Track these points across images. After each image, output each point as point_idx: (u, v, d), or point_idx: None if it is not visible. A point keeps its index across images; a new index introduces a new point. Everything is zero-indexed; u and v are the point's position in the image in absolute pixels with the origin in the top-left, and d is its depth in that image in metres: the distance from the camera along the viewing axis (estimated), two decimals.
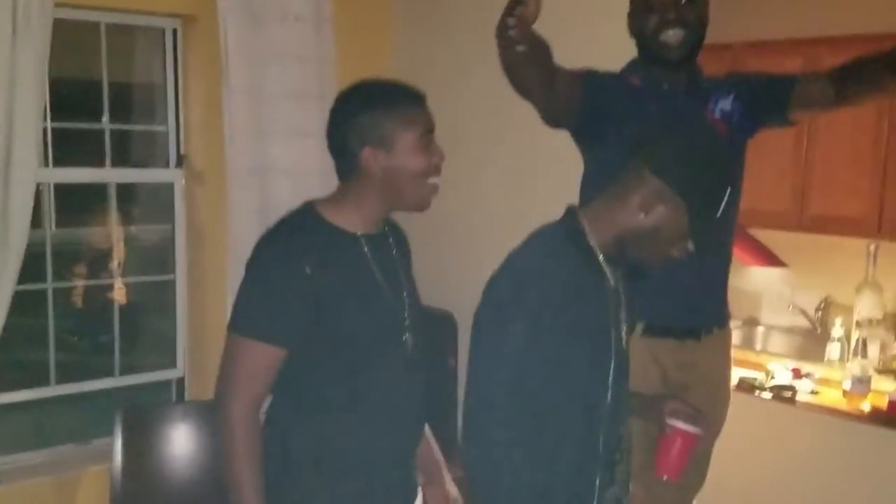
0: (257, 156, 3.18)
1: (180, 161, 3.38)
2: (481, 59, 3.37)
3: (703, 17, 2.19)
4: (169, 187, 3.39)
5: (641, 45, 2.24)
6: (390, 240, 1.91)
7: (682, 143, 1.64)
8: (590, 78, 2.22)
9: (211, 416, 1.82)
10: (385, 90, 1.83)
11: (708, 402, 2.27)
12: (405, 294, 1.89)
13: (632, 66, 2.30)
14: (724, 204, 1.59)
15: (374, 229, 1.86)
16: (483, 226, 3.42)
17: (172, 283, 3.42)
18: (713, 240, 2.26)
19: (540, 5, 1.82)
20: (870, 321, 3.58)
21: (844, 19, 3.85)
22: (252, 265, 1.79)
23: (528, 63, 1.97)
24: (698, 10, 2.18)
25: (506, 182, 3.36)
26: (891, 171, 3.62)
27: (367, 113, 1.77)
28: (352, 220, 1.81)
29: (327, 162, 1.87)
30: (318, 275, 1.73)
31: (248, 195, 3.17)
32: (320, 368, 1.79)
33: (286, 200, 3.11)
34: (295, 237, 1.78)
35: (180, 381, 3.44)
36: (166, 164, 3.41)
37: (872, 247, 3.66)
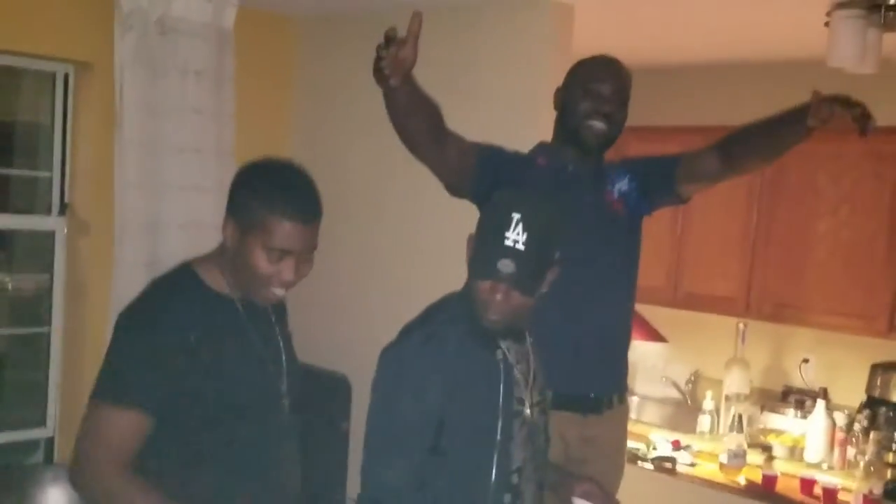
0: (149, 209, 3.10)
1: (63, 209, 3.26)
2: (380, 123, 3.45)
3: (623, 123, 2.33)
4: (49, 235, 3.25)
5: (564, 123, 2.33)
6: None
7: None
8: (487, 151, 2.29)
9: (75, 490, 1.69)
10: (286, 185, 1.72)
11: (605, 475, 2.32)
12: (283, 358, 1.86)
13: (540, 147, 2.39)
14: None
15: None
16: (379, 289, 3.43)
17: (46, 337, 3.26)
18: (615, 310, 2.37)
19: (416, 49, 1.89)
20: (737, 395, 3.77)
21: (718, 112, 4.13)
22: (131, 328, 1.70)
23: (411, 112, 2.04)
24: (623, 114, 2.31)
25: (402, 246, 3.39)
26: (759, 254, 3.85)
27: (253, 191, 1.70)
28: (228, 285, 1.76)
29: (222, 218, 1.81)
30: (201, 345, 1.68)
31: (137, 249, 3.08)
32: (196, 434, 1.73)
33: (177, 256, 3.05)
34: (177, 304, 1.71)
35: (49, 442, 3.26)
36: (48, 212, 3.28)
37: (741, 325, 3.88)
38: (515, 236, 1.60)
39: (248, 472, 1.79)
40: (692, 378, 4.30)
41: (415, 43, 1.88)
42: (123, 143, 3.05)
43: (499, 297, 1.63)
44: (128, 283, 3.00)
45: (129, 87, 3.04)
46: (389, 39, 1.86)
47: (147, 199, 3.09)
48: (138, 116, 3.07)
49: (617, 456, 2.45)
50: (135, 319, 1.72)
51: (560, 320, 2.07)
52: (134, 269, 3.04)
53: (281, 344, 1.87)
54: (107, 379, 1.69)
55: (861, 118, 2.06)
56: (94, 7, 3.06)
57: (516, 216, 1.61)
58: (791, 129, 2.18)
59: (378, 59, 1.88)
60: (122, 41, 3.03)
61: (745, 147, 2.30)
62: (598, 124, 2.26)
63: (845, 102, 2.07)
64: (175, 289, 1.75)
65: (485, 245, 1.63)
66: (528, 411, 1.74)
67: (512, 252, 1.60)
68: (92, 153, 3.20)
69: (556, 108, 2.35)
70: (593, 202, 2.29)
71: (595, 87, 2.26)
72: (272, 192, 1.69)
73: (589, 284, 2.22)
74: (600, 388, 2.34)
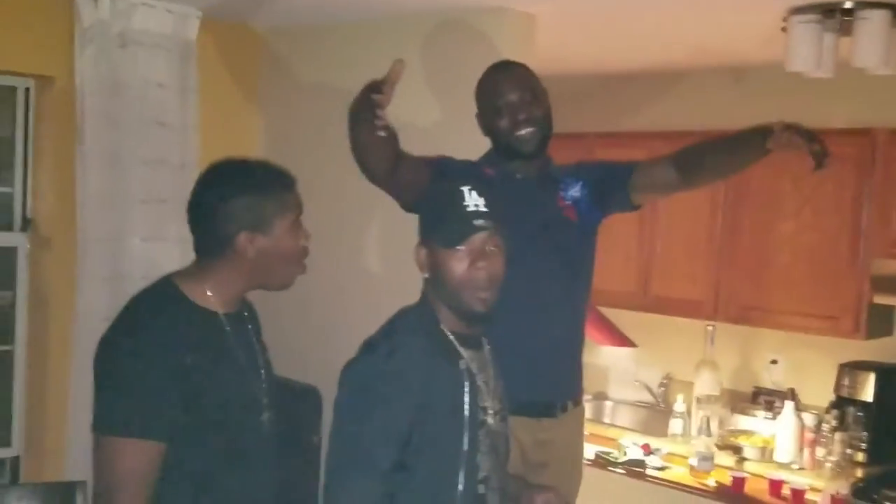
0: (111, 223, 3.06)
1: (26, 225, 3.22)
2: (346, 134, 3.43)
3: (549, 112, 2.34)
4: (12, 251, 3.20)
5: (496, 142, 2.36)
6: (246, 315, 1.90)
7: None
8: (438, 165, 2.31)
9: None
10: (260, 173, 1.81)
11: (564, 479, 2.34)
12: (262, 371, 1.87)
13: (486, 157, 2.41)
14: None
15: (234, 307, 1.83)
16: (349, 300, 3.41)
17: (10, 354, 3.21)
18: (566, 314, 2.37)
19: (392, 94, 1.92)
20: (708, 398, 3.80)
21: (683, 117, 4.19)
22: (126, 352, 1.68)
23: (381, 145, 2.06)
24: (543, 106, 2.33)
25: (370, 256, 3.38)
26: (724, 257, 3.89)
27: (245, 197, 1.74)
28: (213, 299, 1.78)
29: (185, 230, 1.83)
30: (194, 363, 1.68)
31: (100, 263, 3.04)
32: (190, 451, 1.72)
33: (140, 270, 3.07)
34: (168, 322, 1.71)
35: (15, 461, 3.20)
36: (9, 228, 3.23)
37: (710, 327, 3.91)
38: (474, 202, 1.66)
39: (232, 483, 1.79)
40: (664, 381, 4.33)
41: (392, 89, 1.93)
42: (85, 157, 3.02)
43: (481, 264, 1.65)
44: (92, 298, 2.98)
45: (90, 100, 3.01)
46: (376, 89, 1.90)
47: (109, 212, 3.06)
48: (100, 130, 3.03)
49: (574, 458, 2.47)
50: (126, 343, 1.70)
51: (511, 326, 2.08)
52: (97, 284, 3.00)
53: (259, 356, 1.89)
54: (113, 410, 1.67)
55: (818, 154, 2.12)
56: (55, 21, 3.03)
57: (465, 188, 1.67)
58: (750, 149, 2.23)
59: (368, 110, 1.92)
60: (82, 55, 3.00)
61: (701, 163, 2.33)
62: (525, 132, 2.28)
63: (807, 135, 2.12)
64: (163, 307, 1.75)
65: (448, 219, 1.66)
66: (491, 420, 1.74)
67: (479, 213, 1.65)
68: (54, 168, 3.16)
69: (483, 133, 2.37)
70: (543, 208, 2.31)
71: (503, 101, 2.30)
72: (263, 180, 1.78)
73: (540, 290, 2.23)
74: (553, 393, 2.36)
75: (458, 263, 1.66)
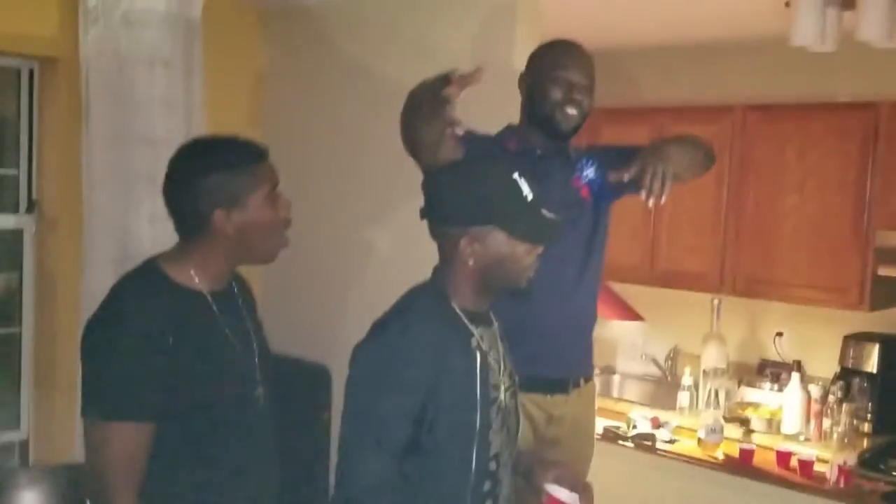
0: (118, 204, 3.05)
1: (32, 207, 3.21)
2: (350, 112, 3.44)
3: (590, 108, 2.36)
4: (18, 234, 3.20)
5: (534, 110, 2.33)
6: (236, 291, 1.89)
7: (446, 176, 1.72)
8: (470, 141, 2.29)
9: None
10: (229, 148, 1.79)
11: (576, 455, 2.36)
12: (255, 346, 1.88)
13: (508, 130, 2.39)
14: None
15: (221, 285, 1.83)
16: (357, 279, 3.41)
17: (17, 337, 3.22)
18: (580, 293, 2.38)
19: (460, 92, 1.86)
20: (715, 371, 3.81)
21: (687, 92, 4.17)
22: (107, 337, 1.69)
23: (436, 135, 2.02)
24: (590, 100, 2.34)
25: (378, 235, 3.38)
26: (730, 231, 3.89)
27: (214, 175, 1.72)
28: (197, 279, 1.78)
29: None
30: (178, 344, 1.68)
31: (107, 244, 3.03)
32: (177, 430, 1.73)
33: (147, 251, 3.04)
34: (149, 305, 1.71)
35: (24, 444, 3.21)
36: (15, 210, 3.22)
37: (716, 301, 3.92)
38: (531, 192, 1.66)
39: (228, 460, 1.80)
40: (671, 354, 4.34)
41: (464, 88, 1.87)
42: (91, 138, 3.00)
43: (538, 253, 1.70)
44: (99, 281, 2.94)
45: (95, 80, 2.99)
46: (448, 82, 1.85)
47: (116, 193, 3.04)
48: (106, 110, 3.02)
49: (586, 434, 2.49)
50: (110, 327, 1.70)
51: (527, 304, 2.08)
52: (104, 266, 2.99)
53: (251, 332, 1.88)
54: (98, 395, 1.68)
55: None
56: (59, 1, 3.00)
57: (517, 177, 1.66)
58: None
59: (436, 103, 1.86)
60: (86, 34, 2.97)
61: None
62: (572, 111, 2.28)
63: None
64: (145, 290, 1.74)
65: (521, 214, 1.65)
66: (502, 397, 1.74)
67: (537, 204, 1.66)
68: (59, 149, 3.15)
69: (522, 94, 2.36)
70: (562, 186, 2.31)
71: (563, 74, 2.28)
72: (231, 156, 1.75)
73: (555, 268, 2.23)
74: (566, 370, 2.37)
75: (524, 252, 1.67)
